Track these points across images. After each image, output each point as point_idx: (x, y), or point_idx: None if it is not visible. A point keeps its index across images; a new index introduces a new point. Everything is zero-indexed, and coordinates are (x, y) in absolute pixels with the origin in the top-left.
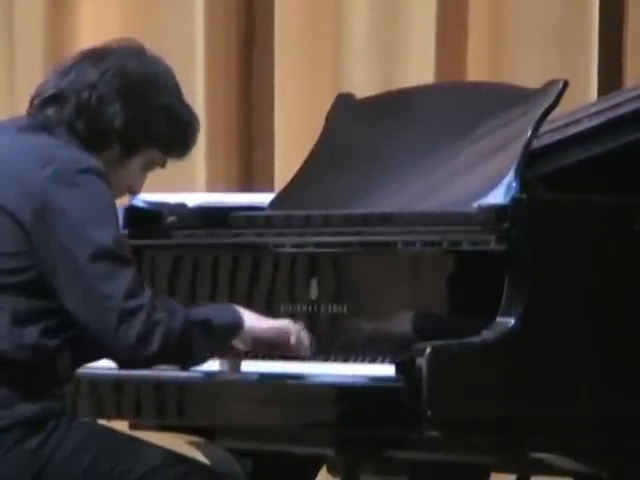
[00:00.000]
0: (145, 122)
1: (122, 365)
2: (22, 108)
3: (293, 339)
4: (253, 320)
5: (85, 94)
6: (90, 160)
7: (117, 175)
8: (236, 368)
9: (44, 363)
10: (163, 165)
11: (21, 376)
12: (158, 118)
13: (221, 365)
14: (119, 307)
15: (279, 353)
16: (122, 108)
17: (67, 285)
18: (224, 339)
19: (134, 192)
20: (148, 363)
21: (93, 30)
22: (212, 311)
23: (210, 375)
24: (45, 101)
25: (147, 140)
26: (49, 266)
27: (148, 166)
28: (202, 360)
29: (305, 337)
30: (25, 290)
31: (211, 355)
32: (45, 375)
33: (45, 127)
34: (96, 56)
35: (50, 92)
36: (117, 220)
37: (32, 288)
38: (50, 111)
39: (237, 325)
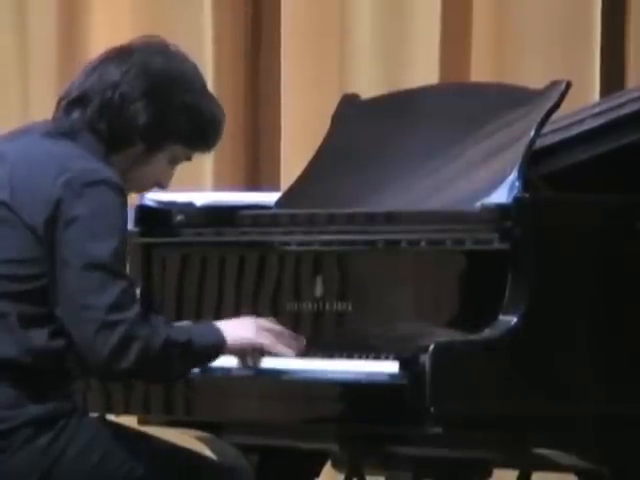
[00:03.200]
0: (168, 120)
1: (95, 376)
2: (35, 109)
3: (277, 340)
4: (235, 334)
5: (108, 93)
6: (104, 172)
7: (142, 171)
8: (256, 364)
9: (53, 365)
10: (189, 159)
11: (30, 378)
12: (181, 116)
13: (241, 362)
14: (99, 319)
15: (266, 354)
16: (145, 106)
17: (59, 292)
18: (206, 359)
19: (162, 187)
20: (120, 377)
21: (105, 32)
22: (195, 331)
23: (217, 372)
24: (70, 103)
25: (170, 137)
26: (52, 274)
27: (174, 161)
28: (180, 378)
29: (290, 337)
30: (35, 296)
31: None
32: (54, 376)
33: (69, 133)
34: (119, 55)
35: (75, 94)
36: (121, 233)
37: (42, 294)
38: (75, 114)
39: (219, 345)
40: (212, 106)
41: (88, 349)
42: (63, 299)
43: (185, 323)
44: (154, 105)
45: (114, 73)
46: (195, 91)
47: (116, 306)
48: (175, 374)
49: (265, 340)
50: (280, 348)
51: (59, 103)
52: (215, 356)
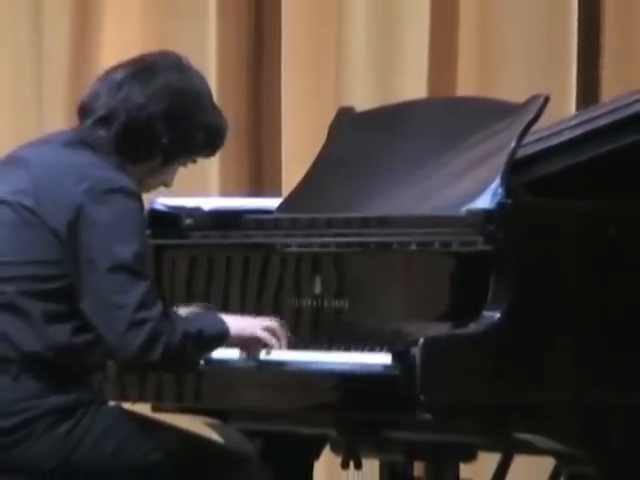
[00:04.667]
0: (187, 138)
1: (125, 369)
2: (50, 117)
3: (272, 334)
4: (237, 326)
5: (134, 113)
6: (122, 180)
7: (155, 177)
8: (255, 356)
9: (74, 359)
10: (195, 162)
11: (52, 371)
12: (198, 134)
13: (241, 354)
14: (129, 317)
15: (262, 346)
16: (168, 126)
17: (87, 292)
18: (213, 347)
19: (168, 186)
20: (148, 370)
21: (115, 44)
22: (203, 323)
23: (224, 363)
24: (97, 121)
25: (186, 152)
26: (76, 274)
27: (182, 166)
28: (193, 366)
29: (283, 331)
30: (58, 295)
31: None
32: (75, 369)
33: (90, 144)
34: (143, 75)
35: (102, 111)
36: (141, 236)
37: (64, 293)
38: (101, 132)
39: (224, 334)
40: (220, 119)
41: (118, 345)
42: (92, 299)
43: (191, 310)
44: (176, 125)
45: (139, 95)
46: (207, 107)
47: (142, 305)
48: (190, 362)
49: (262, 333)
50: (274, 342)
51: (81, 113)
52: (220, 344)
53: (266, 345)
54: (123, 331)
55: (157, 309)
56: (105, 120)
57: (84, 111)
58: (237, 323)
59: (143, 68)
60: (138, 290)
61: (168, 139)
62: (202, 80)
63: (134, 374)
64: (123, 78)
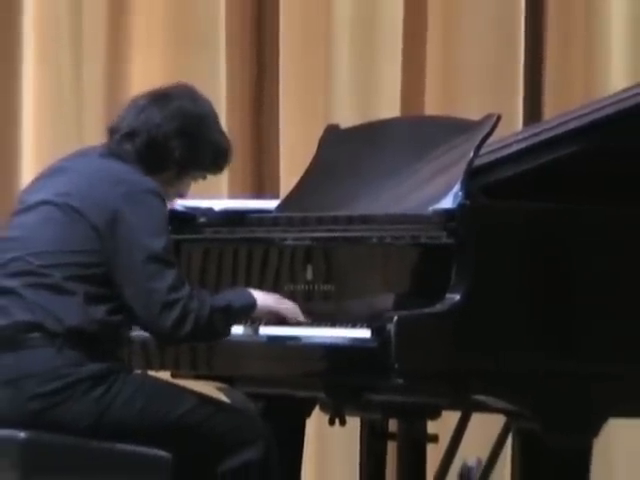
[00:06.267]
0: (197, 154)
1: (161, 343)
2: (88, 136)
3: (291, 309)
4: (263, 298)
5: (153, 132)
6: (151, 183)
7: (170, 188)
8: (255, 332)
9: (109, 334)
10: (205, 178)
11: (90, 343)
12: (207, 151)
13: (244, 330)
14: (163, 299)
15: (281, 320)
16: (181, 143)
17: (125, 279)
18: (243, 316)
19: (182, 197)
20: (181, 342)
21: (142, 76)
22: (233, 296)
23: (232, 337)
24: (123, 136)
25: (196, 166)
26: (113, 263)
27: (193, 180)
28: (224, 336)
29: (298, 310)
30: (96, 280)
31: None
32: (109, 342)
33: (119, 155)
34: (161, 101)
35: (127, 129)
36: (168, 231)
37: (101, 278)
38: (127, 145)
39: (253, 305)
40: (224, 139)
41: (155, 324)
42: (130, 285)
43: (224, 290)
44: (188, 143)
45: (157, 116)
46: (214, 128)
47: (173, 288)
48: (221, 333)
49: (284, 309)
50: (292, 315)
51: (110, 132)
52: (249, 314)
53: (283, 320)
54: (158, 311)
55: (185, 291)
56: (130, 136)
57: (112, 130)
58: (264, 298)
59: (161, 96)
60: (168, 276)
61: (180, 153)
62: (210, 106)
63: (169, 346)
64: (145, 103)
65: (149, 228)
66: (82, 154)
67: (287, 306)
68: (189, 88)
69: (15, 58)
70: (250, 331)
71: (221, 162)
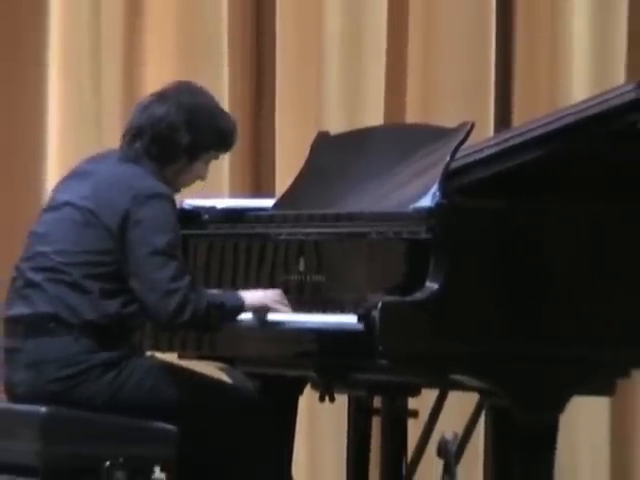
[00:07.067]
0: (203, 139)
1: (161, 329)
2: (108, 138)
3: (278, 301)
4: (251, 299)
5: (156, 126)
6: (159, 187)
7: (185, 175)
8: (263, 319)
9: (121, 325)
10: (217, 158)
11: (103, 334)
12: (212, 135)
13: (253, 317)
14: (164, 288)
15: (271, 311)
16: (186, 132)
17: (133, 272)
18: (234, 315)
19: (203, 179)
20: (179, 328)
21: (155, 81)
22: (225, 297)
23: (235, 322)
24: (131, 138)
25: (204, 150)
26: (123, 259)
27: (207, 161)
28: (217, 330)
29: (285, 300)
30: (110, 277)
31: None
32: (120, 332)
33: (133, 158)
34: (161, 97)
35: (134, 130)
36: (173, 228)
37: (115, 275)
38: (137, 144)
39: (241, 306)
40: (228, 120)
41: (156, 310)
42: (136, 277)
43: (216, 292)
44: (193, 131)
45: (159, 110)
46: (217, 114)
47: (174, 278)
48: (215, 326)
49: (272, 303)
50: (279, 307)
51: (124, 137)
52: (238, 313)
53: (275, 310)
54: (159, 298)
55: (185, 281)
56: (137, 135)
57: (124, 133)
58: (252, 296)
59: (162, 93)
60: (170, 268)
61: (187, 142)
62: (208, 94)
63: (169, 333)
64: (147, 102)
65: (154, 226)
66: (103, 158)
67: (274, 299)
68: (187, 83)
69: (41, 62)
70: (257, 320)
71: (229, 141)
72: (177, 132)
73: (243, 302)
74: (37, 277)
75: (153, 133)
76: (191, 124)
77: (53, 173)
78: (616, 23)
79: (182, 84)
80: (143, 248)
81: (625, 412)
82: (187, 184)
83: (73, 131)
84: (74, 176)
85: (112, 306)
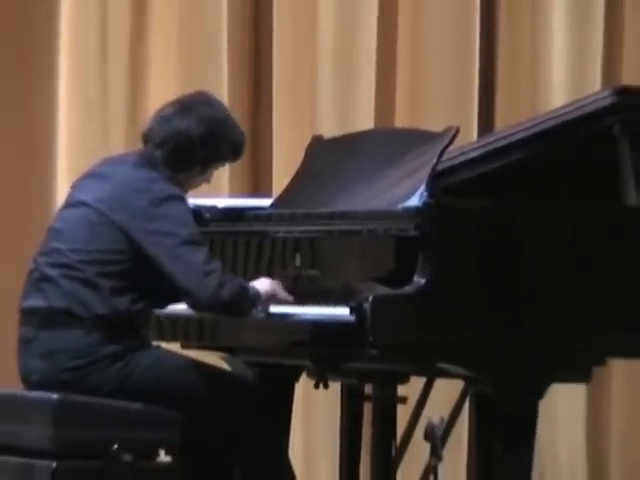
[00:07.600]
0: (218, 153)
1: (205, 308)
2: (114, 147)
3: (281, 293)
4: (262, 288)
5: (178, 139)
6: (172, 189)
7: (196, 180)
8: (267, 310)
9: (130, 321)
10: (224, 165)
11: (112, 328)
12: (226, 149)
13: (257, 309)
14: (201, 270)
15: (274, 302)
16: (203, 146)
17: (168, 263)
18: (256, 302)
19: (208, 182)
20: (221, 308)
21: (159, 91)
22: (246, 284)
23: None
24: (154, 145)
25: (217, 161)
26: (151, 256)
27: (217, 169)
28: (247, 315)
29: (285, 292)
30: (121, 275)
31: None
32: (128, 327)
33: (150, 163)
34: (184, 111)
35: (157, 140)
36: (193, 224)
37: (126, 273)
38: (157, 152)
39: (259, 294)
40: (240, 133)
41: (198, 292)
42: (173, 266)
43: None
44: (209, 145)
45: (182, 124)
46: (230, 127)
47: (207, 261)
48: (245, 311)
49: (278, 291)
50: (284, 296)
51: (144, 141)
52: (258, 300)
53: (277, 300)
54: (199, 280)
55: (219, 263)
56: (160, 145)
57: (145, 138)
58: (261, 285)
59: (183, 106)
60: (201, 252)
61: (204, 155)
62: (225, 108)
63: (213, 312)
64: (170, 114)
65: (175, 222)
66: (121, 162)
67: (278, 288)
68: (204, 95)
69: (52, 65)
70: (262, 310)
71: (240, 153)
72: (196, 146)
73: (259, 291)
74: (53, 272)
75: (174, 144)
76: (210, 138)
77: (62, 169)
78: (593, 21)
79: (199, 96)
80: (173, 240)
81: (600, 400)
82: (195, 187)
83: (81, 130)
84: (92, 176)
85: (122, 303)
